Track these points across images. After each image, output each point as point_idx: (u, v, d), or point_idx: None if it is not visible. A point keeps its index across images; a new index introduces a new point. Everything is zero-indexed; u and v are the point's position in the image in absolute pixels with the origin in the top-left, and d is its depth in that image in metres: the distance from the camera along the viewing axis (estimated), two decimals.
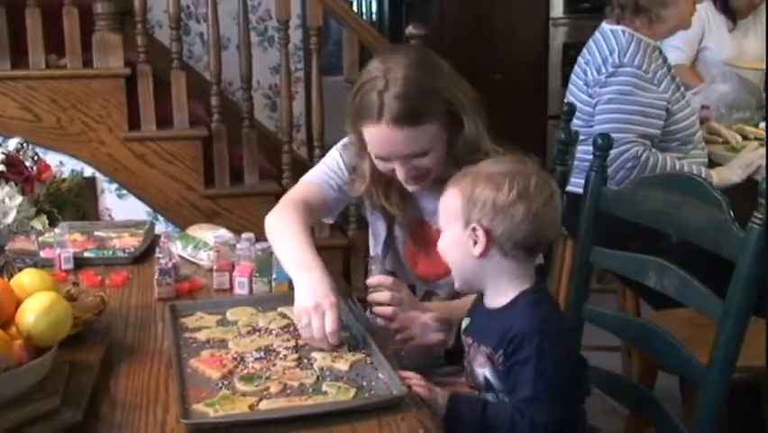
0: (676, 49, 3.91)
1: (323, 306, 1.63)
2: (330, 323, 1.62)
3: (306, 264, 1.75)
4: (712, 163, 2.93)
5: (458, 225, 1.56)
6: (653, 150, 2.73)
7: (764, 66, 3.42)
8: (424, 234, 1.97)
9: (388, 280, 1.79)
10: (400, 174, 1.84)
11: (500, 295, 1.56)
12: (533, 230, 1.52)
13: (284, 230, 1.87)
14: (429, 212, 1.94)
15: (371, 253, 2.08)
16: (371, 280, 1.80)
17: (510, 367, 1.49)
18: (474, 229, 1.53)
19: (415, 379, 1.52)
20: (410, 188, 1.89)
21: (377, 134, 1.79)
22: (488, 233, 1.52)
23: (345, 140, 2.00)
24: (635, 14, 2.82)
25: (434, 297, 1.99)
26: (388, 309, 1.76)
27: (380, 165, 1.86)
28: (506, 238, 1.52)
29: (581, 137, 2.62)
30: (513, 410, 1.47)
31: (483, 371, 1.55)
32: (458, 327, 1.72)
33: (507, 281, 1.56)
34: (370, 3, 6.83)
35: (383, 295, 1.77)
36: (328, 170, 2.01)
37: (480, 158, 1.75)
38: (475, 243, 1.53)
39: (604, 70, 2.79)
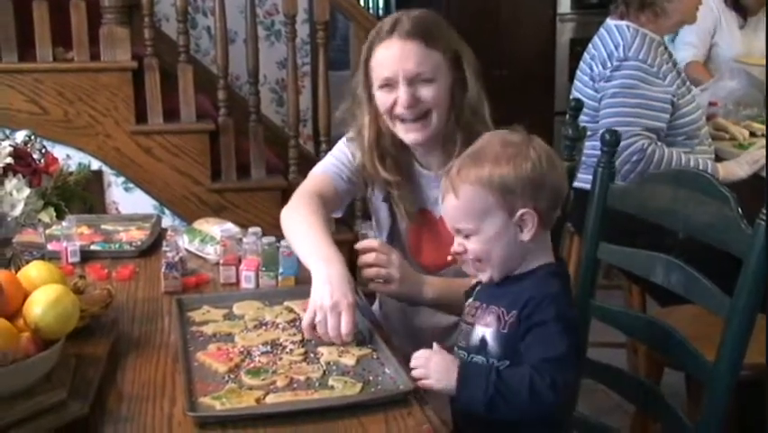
0: (690, 45, 3.91)
1: (340, 305, 1.62)
2: (345, 324, 1.61)
3: (326, 257, 1.72)
4: (719, 159, 2.92)
5: (499, 219, 1.48)
6: (659, 143, 2.73)
7: None
8: (426, 223, 1.97)
9: (375, 242, 1.79)
10: (402, 101, 1.83)
11: (526, 263, 1.53)
12: (563, 188, 1.53)
13: (300, 223, 1.85)
14: (432, 200, 1.94)
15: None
16: (360, 245, 1.79)
17: (528, 328, 1.44)
18: (522, 215, 1.47)
19: (420, 369, 1.47)
20: (409, 135, 1.87)
21: (387, 51, 1.84)
22: (539, 213, 1.48)
23: (350, 133, 2.01)
24: (640, 10, 2.83)
25: None
26: (372, 271, 1.76)
27: (383, 100, 1.86)
28: (549, 209, 1.50)
29: (588, 132, 2.62)
30: (531, 371, 1.41)
31: (485, 330, 1.50)
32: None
33: (539, 254, 1.53)
34: None
35: (369, 256, 1.77)
36: (336, 161, 2.02)
37: (480, 129, 1.78)
38: (521, 228, 1.49)
39: (609, 65, 2.80)
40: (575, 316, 1.52)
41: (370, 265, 1.78)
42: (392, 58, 1.83)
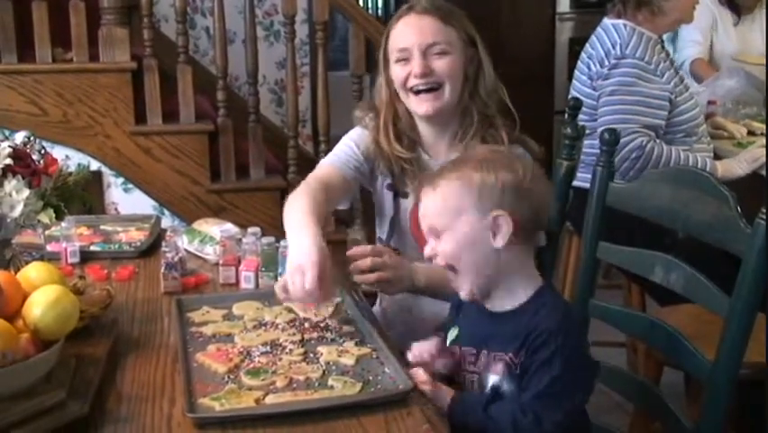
0: (695, 43, 3.91)
1: (303, 266, 1.65)
2: (308, 281, 1.63)
3: (299, 226, 1.76)
4: (718, 158, 2.93)
5: (470, 219, 1.46)
6: (658, 141, 2.74)
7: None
8: None
9: (368, 248, 1.81)
10: (417, 69, 1.91)
11: (512, 296, 1.50)
12: (545, 210, 1.52)
13: (293, 205, 1.88)
14: None
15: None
16: (352, 252, 1.80)
17: (529, 365, 1.43)
18: (496, 218, 1.44)
19: (420, 375, 1.51)
20: (422, 107, 1.94)
21: (405, 24, 1.96)
22: (515, 221, 1.44)
23: (365, 120, 2.07)
24: (637, 9, 2.84)
25: None
26: (371, 277, 1.77)
27: (398, 73, 1.95)
28: (526, 222, 1.46)
29: (587, 131, 2.63)
30: (514, 407, 1.43)
31: (497, 379, 1.48)
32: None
33: (521, 277, 1.50)
34: None
35: (365, 262, 1.78)
36: (343, 153, 2.06)
37: (496, 113, 1.94)
38: (494, 234, 1.45)
39: (607, 63, 2.81)
40: (578, 345, 1.50)
41: (365, 271, 1.78)
42: (409, 30, 1.94)
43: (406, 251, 2.02)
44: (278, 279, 1.93)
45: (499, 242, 1.46)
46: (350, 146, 2.06)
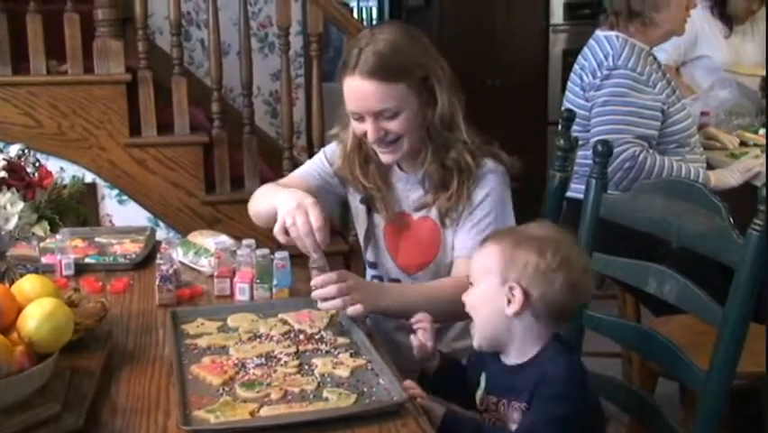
0: (661, 51, 3.91)
1: (304, 204, 1.71)
2: (315, 219, 1.69)
3: (283, 190, 1.87)
4: (711, 168, 2.94)
5: (494, 282, 1.54)
6: (651, 151, 2.75)
7: (763, 72, 3.43)
8: (404, 224, 2.00)
9: (333, 275, 1.77)
10: (370, 135, 1.88)
11: (522, 354, 1.55)
12: (568, 299, 1.53)
13: (261, 189, 1.98)
14: (409, 202, 1.99)
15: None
16: (316, 281, 1.78)
17: (536, 403, 1.47)
18: (512, 288, 1.52)
19: (414, 389, 1.52)
20: (383, 157, 1.93)
21: (351, 86, 1.87)
22: (525, 294, 1.51)
23: (333, 144, 2.08)
24: (628, 20, 2.86)
25: None
26: (337, 302, 1.75)
27: (356, 127, 1.92)
28: (542, 303, 1.51)
29: (580, 142, 2.64)
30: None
31: (516, 427, 1.52)
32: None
33: (532, 342, 1.55)
34: (371, 9, 6.85)
35: (330, 289, 1.75)
36: (312, 163, 2.12)
37: (455, 139, 1.87)
38: (509, 301, 1.52)
39: (599, 74, 2.82)
40: (586, 396, 1.53)
41: (329, 298, 1.76)
42: (355, 95, 1.87)
43: (381, 262, 2.05)
44: (274, 290, 1.95)
45: (510, 310, 1.52)
46: (321, 160, 2.10)
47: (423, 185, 1.95)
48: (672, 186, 1.80)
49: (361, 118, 1.88)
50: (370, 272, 2.10)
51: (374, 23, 6.61)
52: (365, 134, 1.89)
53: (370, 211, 2.05)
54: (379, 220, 2.03)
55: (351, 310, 1.74)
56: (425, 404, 1.50)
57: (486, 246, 1.59)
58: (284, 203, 1.78)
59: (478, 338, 1.59)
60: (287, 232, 1.77)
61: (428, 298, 1.83)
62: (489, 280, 1.55)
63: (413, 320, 1.67)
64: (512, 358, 1.57)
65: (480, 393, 1.61)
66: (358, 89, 1.85)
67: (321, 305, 1.76)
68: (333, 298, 1.74)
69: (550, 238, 1.54)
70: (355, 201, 2.08)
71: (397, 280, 2.02)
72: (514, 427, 1.51)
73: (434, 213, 1.94)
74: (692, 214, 1.64)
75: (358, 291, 1.76)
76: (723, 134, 3.24)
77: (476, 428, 1.52)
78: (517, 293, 1.51)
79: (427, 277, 1.98)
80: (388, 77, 1.83)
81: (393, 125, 1.86)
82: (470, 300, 1.60)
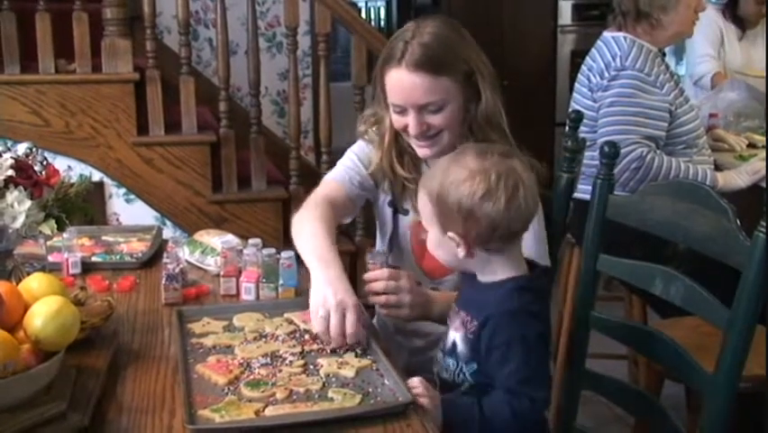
0: (710, 57, 3.93)
1: (345, 303, 1.65)
2: (350, 324, 1.64)
3: (326, 259, 1.75)
4: (719, 170, 2.93)
5: (437, 231, 1.58)
6: (658, 151, 2.74)
7: None
8: None
9: (385, 272, 1.78)
10: (412, 128, 1.87)
11: (491, 274, 1.59)
12: (504, 225, 1.53)
13: (306, 226, 1.88)
14: None
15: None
16: (368, 276, 1.80)
17: (489, 349, 1.51)
18: (450, 237, 1.55)
19: (419, 388, 1.51)
20: (421, 151, 1.92)
21: (396, 78, 1.85)
22: (464, 238, 1.54)
23: (368, 135, 2.05)
24: (636, 21, 2.86)
25: (423, 287, 1.98)
26: (382, 298, 1.77)
27: (396, 120, 1.90)
28: (480, 240, 1.54)
29: (587, 143, 2.63)
30: (507, 396, 1.50)
31: (455, 335, 1.59)
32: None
33: (498, 266, 1.58)
34: (379, 9, 6.85)
35: (378, 284, 1.77)
36: (347, 168, 2.06)
37: (497, 138, 1.85)
38: (457, 245, 1.55)
39: (606, 75, 2.82)
40: (540, 330, 1.55)
41: (379, 293, 1.78)
42: (401, 87, 1.86)
43: (405, 267, 2.01)
44: (280, 290, 1.94)
45: (461, 254, 1.56)
46: (354, 161, 2.05)
47: None
48: (679, 187, 1.79)
49: (403, 111, 1.87)
50: None
51: (382, 23, 6.61)
52: (405, 128, 1.89)
53: (395, 213, 2.03)
54: (406, 221, 2.01)
55: (385, 312, 1.78)
56: (431, 403, 1.49)
57: (420, 192, 1.61)
58: (321, 291, 1.68)
59: (448, 268, 1.66)
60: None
61: None
62: (432, 229, 1.59)
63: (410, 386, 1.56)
64: (483, 277, 1.60)
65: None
66: (404, 82, 1.84)
67: (371, 299, 1.78)
68: (378, 294, 1.76)
69: (471, 170, 1.53)
70: (384, 203, 2.05)
71: (418, 284, 1.99)
72: (453, 333, 1.59)
73: None
74: (699, 216, 1.63)
75: (406, 294, 1.77)
76: (731, 136, 3.23)
77: (478, 408, 1.52)
78: (458, 239, 1.54)
79: (450, 285, 1.95)
80: (435, 69, 1.83)
81: (436, 119, 1.86)
82: (430, 247, 1.63)
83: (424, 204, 1.59)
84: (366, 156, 2.05)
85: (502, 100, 1.92)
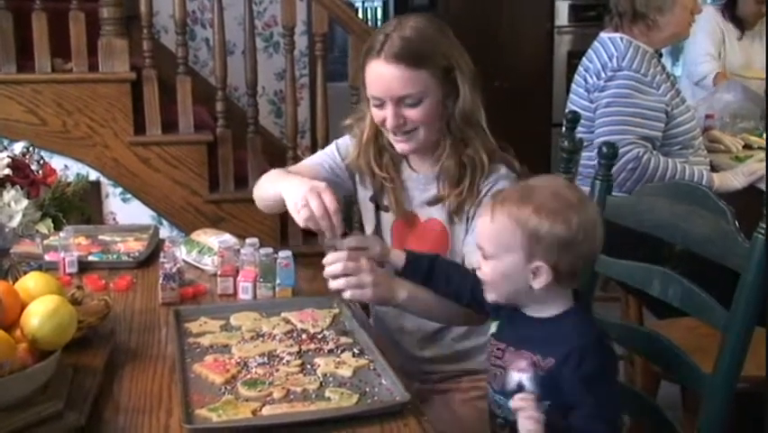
0: (711, 58, 3.93)
1: (317, 186, 1.71)
2: (329, 201, 1.69)
3: (291, 176, 1.86)
4: (715, 171, 2.94)
5: (517, 259, 1.49)
6: (655, 152, 2.75)
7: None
8: (410, 225, 1.97)
9: (342, 253, 1.74)
10: (389, 121, 1.86)
11: (546, 309, 1.53)
12: (588, 259, 1.53)
13: (268, 176, 1.97)
14: (417, 203, 1.96)
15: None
16: (327, 259, 1.74)
17: (577, 381, 1.44)
18: (539, 267, 1.48)
19: (529, 410, 1.42)
20: (398, 146, 1.91)
21: (375, 69, 1.85)
22: (554, 269, 1.48)
23: (354, 130, 2.05)
24: (633, 22, 2.87)
25: None
26: (341, 281, 1.72)
27: (375, 113, 1.90)
28: (568, 271, 1.49)
29: (584, 143, 2.64)
30: (590, 420, 1.43)
31: (521, 376, 1.50)
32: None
33: (552, 300, 1.53)
34: (375, 9, 6.85)
35: (336, 266, 1.72)
36: (323, 154, 2.09)
37: (475, 135, 1.84)
38: (535, 276, 1.49)
39: (603, 75, 2.83)
40: (614, 355, 1.53)
41: (339, 276, 1.74)
42: (379, 79, 1.85)
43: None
44: (277, 289, 1.95)
45: (537, 285, 1.49)
46: (332, 150, 2.07)
47: (437, 181, 1.93)
48: (677, 188, 1.79)
49: (381, 104, 1.87)
50: None
51: (379, 23, 6.61)
52: (383, 122, 1.88)
53: (378, 209, 2.04)
54: (388, 218, 2.01)
55: (348, 294, 1.72)
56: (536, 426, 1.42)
57: (501, 216, 1.51)
58: (296, 187, 1.76)
59: (493, 299, 1.56)
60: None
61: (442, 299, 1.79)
62: (510, 257, 1.50)
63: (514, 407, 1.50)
64: (532, 311, 1.54)
65: (492, 336, 1.61)
66: (382, 73, 1.84)
67: (330, 285, 1.74)
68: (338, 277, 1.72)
69: (571, 204, 1.49)
70: (365, 198, 2.05)
71: (381, 266, 1.98)
72: (518, 375, 1.49)
73: (442, 215, 1.92)
74: (697, 217, 1.63)
75: (367, 273, 1.72)
76: (727, 137, 3.24)
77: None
78: (545, 271, 1.48)
79: None
80: (413, 62, 1.82)
81: (413, 114, 1.85)
82: (489, 277, 1.54)
83: (507, 228, 1.50)
84: (346, 148, 2.06)
85: (482, 98, 1.91)
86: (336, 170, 2.04)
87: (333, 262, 1.73)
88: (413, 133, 1.88)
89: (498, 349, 1.56)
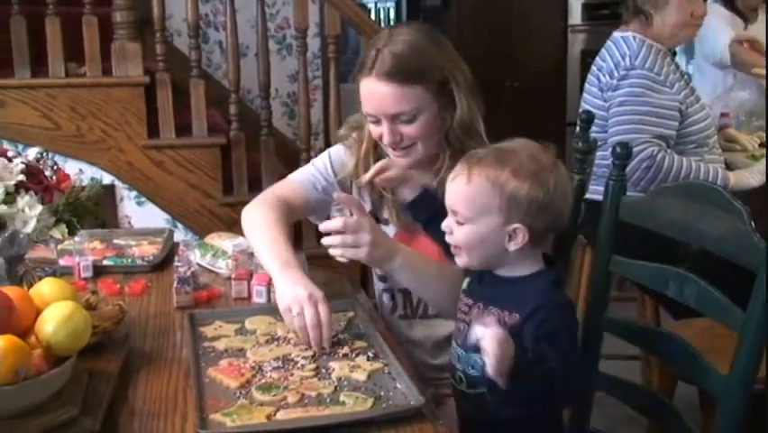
0: (724, 34, 3.87)
1: (316, 296, 1.66)
2: (324, 313, 1.65)
3: (289, 264, 1.77)
4: (730, 170, 2.92)
5: (494, 221, 1.52)
6: (669, 150, 2.74)
7: None
8: (413, 237, 1.95)
9: (339, 220, 1.72)
10: (386, 138, 1.84)
11: (516, 269, 1.57)
12: (563, 218, 1.56)
13: (263, 229, 1.89)
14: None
15: None
16: (324, 225, 1.75)
17: (538, 338, 1.46)
18: (516, 229, 1.52)
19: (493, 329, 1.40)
20: (397, 161, 1.90)
21: (367, 88, 1.84)
22: (531, 232, 1.52)
23: (348, 140, 2.03)
24: (635, 15, 2.90)
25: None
26: (338, 239, 1.71)
27: (372, 129, 1.89)
28: (541, 232, 1.54)
29: (598, 143, 2.63)
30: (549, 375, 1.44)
31: (484, 331, 1.47)
32: None
33: (523, 262, 1.57)
34: (388, 11, 6.85)
35: (335, 221, 1.72)
36: (315, 170, 2.05)
37: (475, 145, 1.77)
38: (510, 238, 1.53)
39: (616, 74, 2.82)
40: (576, 324, 1.58)
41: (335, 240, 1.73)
42: (371, 97, 1.84)
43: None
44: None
45: (512, 247, 1.54)
46: (325, 164, 2.04)
47: (437, 193, 1.91)
48: (692, 188, 1.78)
49: (377, 121, 1.85)
50: (379, 285, 2.04)
51: (392, 24, 6.61)
52: (381, 137, 1.87)
53: (378, 222, 2.02)
54: (388, 232, 1.96)
55: (339, 253, 1.72)
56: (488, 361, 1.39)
57: (478, 178, 1.53)
58: (292, 287, 1.70)
59: (465, 263, 1.59)
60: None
61: (438, 271, 1.78)
62: (487, 220, 1.53)
63: None
64: (504, 272, 1.58)
65: (463, 292, 1.65)
66: (374, 91, 1.82)
67: (324, 241, 1.74)
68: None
69: (547, 166, 1.53)
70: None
71: (408, 292, 1.97)
72: (482, 331, 1.44)
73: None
74: (713, 217, 1.62)
75: (367, 231, 1.70)
76: (743, 136, 3.22)
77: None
78: (521, 232, 1.52)
79: None
80: (406, 79, 1.80)
81: (409, 130, 1.83)
82: (463, 240, 1.56)
83: (481, 191, 1.52)
84: (340, 161, 2.03)
85: (479, 106, 1.89)
86: (329, 189, 2.01)
87: (331, 229, 1.72)
88: (411, 148, 1.87)
89: (466, 305, 1.61)
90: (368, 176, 1.90)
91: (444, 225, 1.61)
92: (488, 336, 1.36)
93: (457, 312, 1.65)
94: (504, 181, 1.51)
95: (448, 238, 1.60)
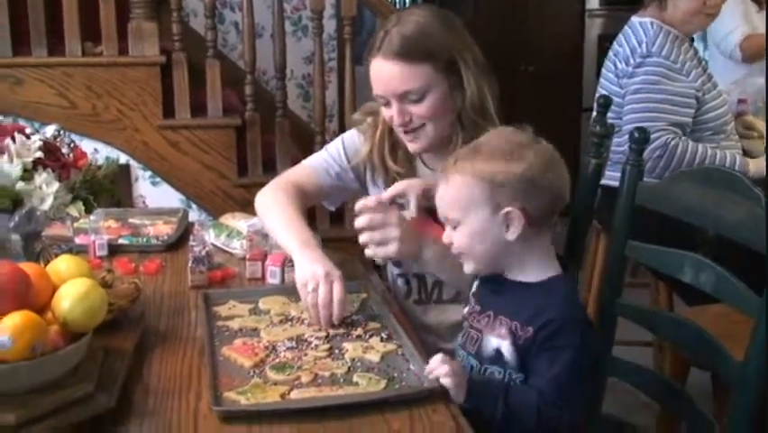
0: (735, 26, 3.84)
1: (332, 275, 1.67)
2: (338, 291, 1.65)
3: (309, 243, 1.79)
4: (747, 157, 2.90)
5: (484, 212, 1.49)
6: (684, 138, 2.72)
7: None
8: (429, 221, 1.94)
9: (371, 200, 1.75)
10: (395, 119, 1.84)
11: (528, 271, 1.53)
12: (560, 196, 1.52)
13: (278, 211, 1.91)
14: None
15: None
16: (357, 206, 1.76)
17: (543, 349, 1.45)
18: (508, 213, 1.47)
19: (444, 367, 1.43)
20: (410, 146, 1.90)
21: (375, 67, 1.84)
22: (525, 211, 1.47)
23: (353, 131, 2.04)
24: (651, 0, 2.85)
25: (443, 285, 1.97)
26: (366, 235, 1.73)
27: (384, 112, 1.89)
28: (539, 213, 1.49)
29: (614, 129, 2.62)
30: (540, 400, 1.42)
31: (500, 343, 1.50)
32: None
33: (536, 258, 1.53)
34: None
35: (363, 218, 1.73)
36: (329, 156, 2.06)
37: (489, 126, 1.76)
38: (508, 226, 1.49)
39: (632, 61, 2.81)
40: (593, 338, 1.54)
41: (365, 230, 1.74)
42: (379, 77, 1.84)
43: (406, 265, 1.99)
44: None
45: (512, 235, 1.49)
46: (338, 150, 2.05)
47: None
48: (710, 174, 1.77)
49: (387, 103, 1.86)
50: (394, 270, 2.05)
51: (407, 6, 6.59)
52: (392, 120, 1.87)
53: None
54: (405, 216, 2.00)
55: (370, 251, 1.73)
56: (449, 385, 1.42)
57: (456, 176, 1.51)
58: (311, 263, 1.72)
59: (474, 269, 1.56)
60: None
61: None
62: (477, 214, 1.50)
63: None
64: (515, 275, 1.54)
65: (470, 303, 1.61)
66: (382, 71, 1.83)
67: (360, 238, 1.75)
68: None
69: (521, 143, 1.50)
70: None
71: (422, 277, 1.98)
72: (496, 341, 1.50)
73: None
74: (730, 203, 1.61)
75: (394, 227, 1.72)
76: (761, 122, 3.19)
77: (496, 397, 1.43)
78: (516, 215, 1.47)
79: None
80: (412, 57, 1.80)
81: (418, 109, 1.83)
82: (463, 243, 1.53)
83: (464, 187, 1.50)
84: (353, 147, 2.04)
85: (490, 86, 1.88)
86: (342, 175, 2.03)
87: (361, 213, 1.73)
88: (421, 129, 1.86)
89: (477, 314, 1.57)
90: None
91: (444, 237, 1.59)
92: (441, 372, 1.41)
93: (467, 317, 1.61)
94: (479, 169, 1.49)
95: (452, 250, 1.57)
